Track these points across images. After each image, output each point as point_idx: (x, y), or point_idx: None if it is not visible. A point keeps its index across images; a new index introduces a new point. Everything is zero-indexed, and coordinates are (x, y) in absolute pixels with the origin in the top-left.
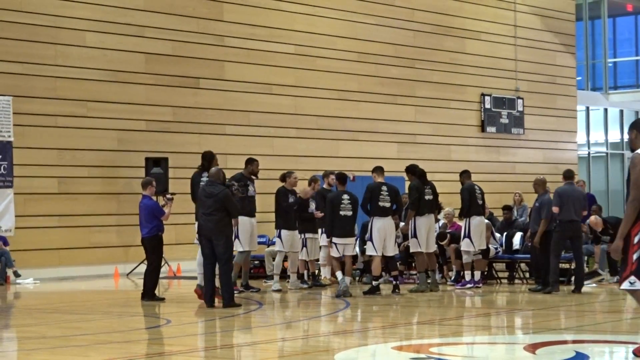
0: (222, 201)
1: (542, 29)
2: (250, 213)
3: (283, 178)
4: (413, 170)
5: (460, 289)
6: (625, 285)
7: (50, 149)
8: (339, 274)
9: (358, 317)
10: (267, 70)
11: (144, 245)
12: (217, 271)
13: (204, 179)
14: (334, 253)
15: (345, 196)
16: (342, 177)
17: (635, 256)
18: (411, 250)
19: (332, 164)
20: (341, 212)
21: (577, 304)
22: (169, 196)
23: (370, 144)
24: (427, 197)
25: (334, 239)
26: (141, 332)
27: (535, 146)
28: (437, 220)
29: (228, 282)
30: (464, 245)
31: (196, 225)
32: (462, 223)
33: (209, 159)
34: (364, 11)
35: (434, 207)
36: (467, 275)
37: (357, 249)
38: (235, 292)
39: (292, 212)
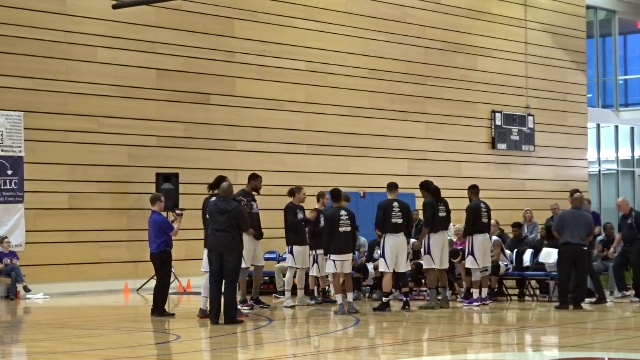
0: (235, 217)
1: (553, 46)
2: (255, 230)
3: (291, 193)
4: (427, 187)
5: (467, 306)
6: None
7: (61, 164)
8: (339, 297)
9: (368, 334)
10: (278, 86)
11: (153, 261)
12: None
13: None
14: (331, 269)
15: (343, 212)
16: (336, 194)
17: None
18: (424, 267)
19: (342, 180)
20: (340, 229)
21: (587, 321)
22: (178, 212)
23: (381, 161)
24: (440, 214)
25: (332, 256)
26: (150, 347)
27: (546, 163)
28: None
29: (233, 299)
30: (468, 262)
31: (206, 251)
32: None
33: (217, 181)
34: (375, 28)
35: (448, 224)
36: (475, 292)
37: (370, 265)
38: (246, 308)
39: (302, 228)
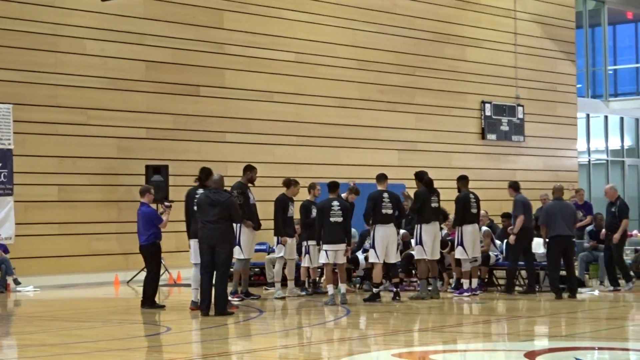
0: (228, 209)
1: (543, 37)
2: (253, 221)
3: (287, 184)
4: (421, 177)
5: (457, 297)
6: None
7: (50, 157)
8: (330, 288)
9: (358, 325)
10: (268, 77)
11: (142, 253)
12: None
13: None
14: (323, 259)
15: (335, 203)
16: (331, 185)
17: None
18: (415, 257)
19: (333, 172)
20: (331, 219)
21: (577, 311)
22: (167, 203)
23: (371, 152)
24: (433, 205)
25: (324, 246)
26: (141, 339)
27: (536, 153)
28: (441, 229)
29: (224, 290)
30: (458, 253)
31: (192, 242)
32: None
33: (207, 174)
34: (364, 19)
35: (439, 214)
36: (465, 283)
37: (361, 255)
38: (237, 299)
39: (291, 221)
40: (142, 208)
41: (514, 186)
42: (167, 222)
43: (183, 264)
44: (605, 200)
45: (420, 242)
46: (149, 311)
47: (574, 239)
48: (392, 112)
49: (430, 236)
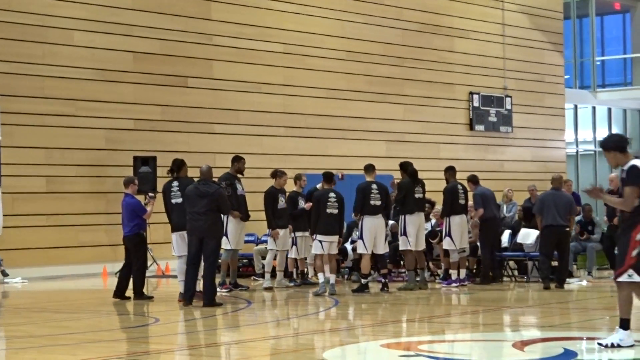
0: (217, 200)
1: (530, 28)
2: (241, 212)
3: (274, 175)
4: (405, 168)
5: (446, 287)
6: (623, 277)
7: (38, 148)
8: (320, 276)
9: (347, 315)
10: (256, 69)
11: (125, 244)
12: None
13: (175, 187)
14: (318, 250)
15: (332, 194)
16: (327, 176)
17: (634, 252)
18: (400, 249)
19: (321, 163)
20: (327, 210)
21: (566, 301)
22: (151, 194)
23: (359, 143)
24: (417, 196)
25: (318, 236)
26: (129, 330)
27: (524, 144)
28: (428, 219)
29: (212, 282)
30: (445, 244)
31: (174, 236)
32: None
33: (178, 165)
34: (353, 10)
35: (424, 205)
36: (454, 274)
37: (349, 246)
38: (225, 290)
39: (283, 212)
40: (126, 199)
41: (473, 180)
42: (152, 213)
43: (171, 256)
44: None
45: (404, 233)
46: (137, 302)
47: (567, 229)
48: (380, 103)
49: (414, 227)
